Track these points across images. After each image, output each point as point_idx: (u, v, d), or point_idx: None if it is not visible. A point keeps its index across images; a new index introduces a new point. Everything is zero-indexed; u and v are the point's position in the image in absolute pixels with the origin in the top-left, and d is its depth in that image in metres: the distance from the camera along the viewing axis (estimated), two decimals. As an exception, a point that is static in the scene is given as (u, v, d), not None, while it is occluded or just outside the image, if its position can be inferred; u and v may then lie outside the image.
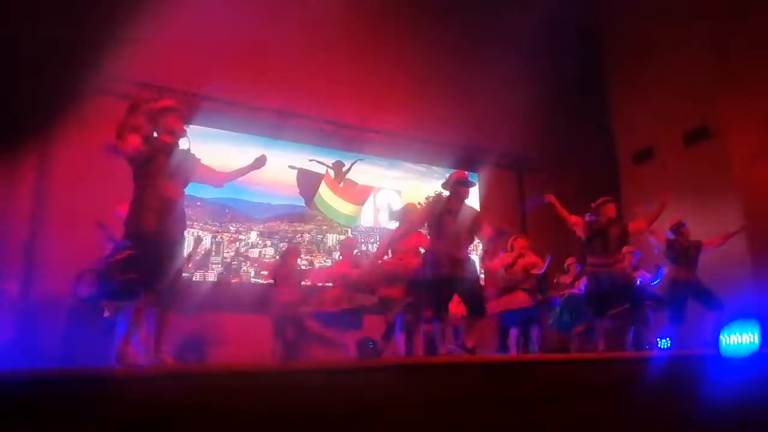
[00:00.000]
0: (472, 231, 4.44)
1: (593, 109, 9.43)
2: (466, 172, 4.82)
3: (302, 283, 6.05)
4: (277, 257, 6.70)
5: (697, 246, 5.97)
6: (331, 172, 7.87)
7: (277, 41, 7.00)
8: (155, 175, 3.27)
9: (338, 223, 7.81)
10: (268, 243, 7.25)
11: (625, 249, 6.49)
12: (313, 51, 7.28)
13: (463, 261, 4.31)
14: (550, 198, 5.37)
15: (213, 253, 6.85)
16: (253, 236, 7.17)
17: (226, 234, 7.00)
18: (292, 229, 7.45)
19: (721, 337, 5.28)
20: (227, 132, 7.05)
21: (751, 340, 5.11)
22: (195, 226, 6.80)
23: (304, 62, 7.19)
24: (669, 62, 8.51)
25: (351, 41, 7.76)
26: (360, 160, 8.07)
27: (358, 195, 8.00)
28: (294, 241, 7.28)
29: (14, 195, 5.78)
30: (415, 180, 8.53)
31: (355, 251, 6.47)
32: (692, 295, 5.83)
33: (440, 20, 8.59)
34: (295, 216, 7.52)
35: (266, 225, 7.29)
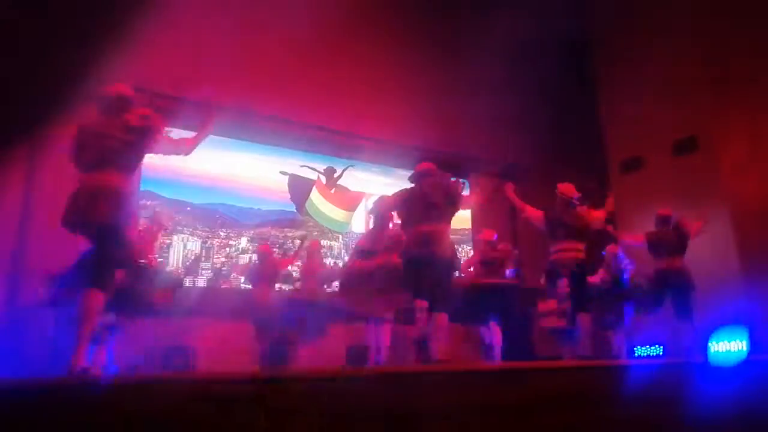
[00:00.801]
0: (449, 203, 4.25)
1: (583, 117, 9.50)
2: (433, 164, 4.61)
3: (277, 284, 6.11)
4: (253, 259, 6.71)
5: (679, 231, 5.87)
6: (323, 178, 7.86)
7: (268, 48, 7.01)
8: (85, 164, 3.19)
9: (330, 229, 7.80)
10: (259, 249, 7.21)
11: (610, 248, 6.54)
12: (305, 57, 7.28)
13: (433, 238, 4.07)
14: (509, 187, 5.32)
15: (203, 259, 6.81)
16: (244, 242, 7.14)
17: (216, 239, 6.96)
18: (283, 234, 7.43)
19: (709, 344, 5.30)
20: (219, 138, 7.02)
21: (740, 347, 5.13)
22: (185, 232, 6.76)
23: (295, 68, 7.19)
24: (658, 72, 8.60)
25: (343, 48, 7.78)
26: (352, 166, 8.08)
27: (350, 201, 7.99)
28: (284, 246, 7.26)
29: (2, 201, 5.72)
30: (407, 186, 8.52)
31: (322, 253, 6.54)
32: (672, 290, 5.67)
33: (431, 27, 8.64)
34: (285, 222, 7.50)
35: (257, 231, 7.26)
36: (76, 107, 3.32)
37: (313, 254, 6.28)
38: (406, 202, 4.33)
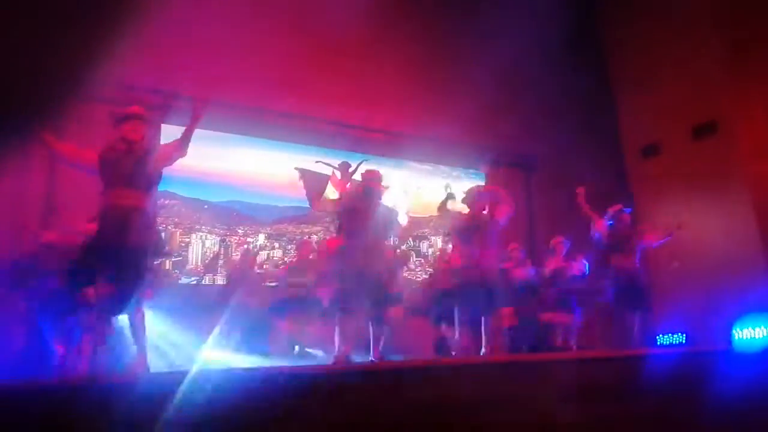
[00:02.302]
0: (386, 227, 4.37)
1: (600, 104, 9.37)
2: (379, 172, 4.68)
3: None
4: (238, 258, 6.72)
5: (639, 234, 5.70)
6: (338, 173, 7.85)
7: (281, 44, 7.01)
8: (114, 183, 3.24)
9: (346, 224, 7.80)
10: (276, 245, 7.25)
11: (555, 240, 6.47)
12: (318, 53, 7.28)
13: (374, 252, 4.19)
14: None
15: (221, 257, 6.86)
16: (261, 239, 7.18)
17: (234, 237, 7.01)
18: (300, 230, 7.46)
19: (733, 332, 5.24)
20: (234, 135, 7.07)
21: (765, 334, 5.06)
22: (203, 230, 6.81)
23: (308, 64, 7.19)
24: (676, 56, 8.46)
25: (355, 42, 7.75)
26: (366, 160, 8.05)
27: (365, 195, 8.00)
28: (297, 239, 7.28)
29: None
30: (422, 179, 8.52)
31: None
32: (627, 288, 5.46)
33: (445, 19, 8.58)
34: (302, 217, 7.52)
35: (274, 227, 7.30)
36: (74, 107, 3.33)
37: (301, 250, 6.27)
38: (347, 211, 4.54)
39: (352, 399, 2.40)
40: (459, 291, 4.76)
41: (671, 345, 6.98)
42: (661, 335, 7.39)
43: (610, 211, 5.50)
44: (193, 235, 6.74)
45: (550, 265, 6.36)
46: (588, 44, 9.45)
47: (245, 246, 6.88)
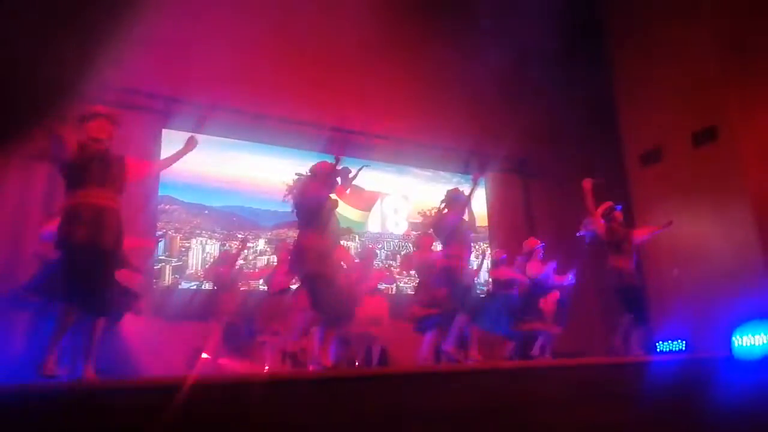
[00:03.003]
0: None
1: (600, 110, 9.39)
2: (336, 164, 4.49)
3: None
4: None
5: (631, 233, 5.49)
6: (338, 179, 7.86)
7: (280, 49, 7.03)
8: (87, 183, 3.17)
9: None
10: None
11: (528, 242, 6.39)
12: (319, 58, 7.30)
13: (327, 255, 4.10)
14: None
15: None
16: (261, 244, 7.18)
17: (234, 242, 7.01)
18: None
19: (733, 338, 5.22)
20: (234, 141, 7.09)
21: (765, 341, 5.05)
22: (203, 235, 6.82)
23: (309, 70, 7.21)
24: (676, 61, 8.46)
25: (356, 48, 7.77)
26: (367, 166, 8.04)
27: (366, 201, 8.00)
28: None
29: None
30: (423, 185, 8.53)
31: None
32: (624, 290, 5.26)
33: (444, 24, 8.60)
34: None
35: (274, 232, 7.30)
36: (72, 108, 3.30)
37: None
38: (306, 210, 4.36)
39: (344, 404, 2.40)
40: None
41: (671, 352, 6.97)
42: (660, 342, 7.38)
43: (600, 209, 5.35)
44: (194, 240, 6.74)
45: (530, 271, 6.17)
46: (588, 50, 9.47)
47: (225, 247, 6.79)
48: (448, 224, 5.02)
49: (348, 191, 7.98)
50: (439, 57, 8.35)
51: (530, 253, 6.23)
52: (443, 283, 4.89)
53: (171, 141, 6.78)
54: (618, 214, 5.45)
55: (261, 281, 6.44)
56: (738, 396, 3.29)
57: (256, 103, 6.97)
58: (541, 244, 6.27)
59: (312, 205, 4.15)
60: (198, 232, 6.79)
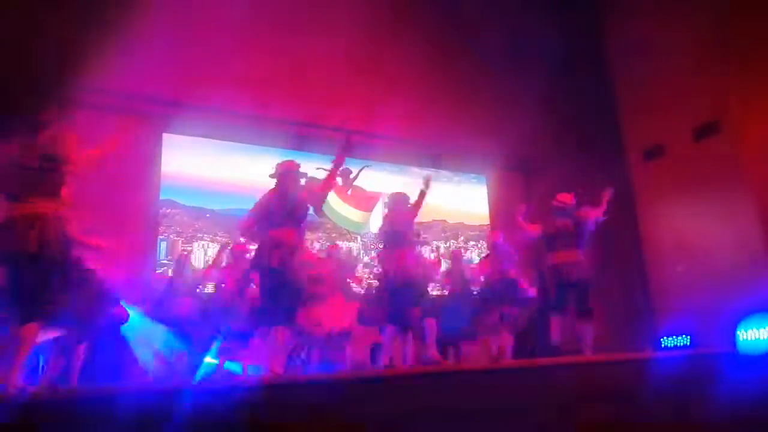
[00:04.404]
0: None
1: (601, 106, 9.35)
2: (296, 162, 4.39)
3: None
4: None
5: (577, 222, 5.22)
6: (339, 179, 7.87)
7: (281, 50, 7.03)
8: (27, 190, 3.12)
9: (347, 230, 7.80)
10: (279, 252, 7.24)
11: (490, 235, 6.31)
12: (319, 60, 7.29)
13: (285, 249, 3.97)
14: (428, 180, 5.03)
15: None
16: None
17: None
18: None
19: (738, 333, 5.19)
20: (234, 143, 7.09)
21: (769, 335, 5.02)
22: (205, 238, 6.82)
23: (310, 71, 7.21)
24: (676, 56, 8.42)
25: (356, 47, 7.76)
26: (368, 166, 8.06)
27: (367, 201, 7.99)
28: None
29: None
30: (417, 184, 8.50)
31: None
32: (572, 288, 5.05)
33: (443, 23, 8.60)
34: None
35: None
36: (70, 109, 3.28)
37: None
38: (265, 208, 4.24)
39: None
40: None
41: (676, 347, 6.94)
42: (665, 337, 7.35)
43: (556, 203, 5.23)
44: (195, 244, 6.75)
45: (483, 269, 5.94)
46: (589, 46, 9.44)
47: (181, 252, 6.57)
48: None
49: (349, 192, 8.03)
50: (439, 56, 8.34)
51: (493, 247, 5.97)
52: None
53: (171, 145, 6.81)
54: (557, 202, 5.29)
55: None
56: (743, 390, 3.28)
57: (256, 105, 6.97)
58: (502, 237, 6.02)
59: (296, 205, 4.11)
60: (200, 235, 6.80)
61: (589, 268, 5.15)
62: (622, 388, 3.23)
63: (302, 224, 4.17)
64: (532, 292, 5.67)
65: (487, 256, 6.19)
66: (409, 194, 5.08)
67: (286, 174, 4.23)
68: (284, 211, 4.06)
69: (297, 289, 3.94)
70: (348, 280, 6.06)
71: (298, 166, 4.30)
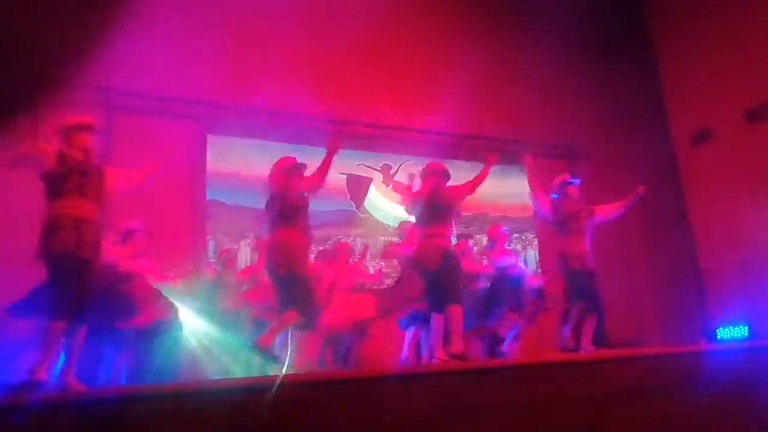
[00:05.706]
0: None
1: (645, 88, 9.04)
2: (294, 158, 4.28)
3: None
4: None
5: (589, 212, 4.87)
6: (380, 175, 7.91)
7: (319, 50, 7.08)
8: (68, 193, 3.19)
9: (389, 226, 7.82)
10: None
11: (492, 228, 5.95)
12: (356, 56, 7.33)
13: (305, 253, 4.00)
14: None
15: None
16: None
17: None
18: (342, 234, 7.50)
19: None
20: (279, 144, 7.18)
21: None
22: (251, 236, 6.94)
23: (348, 68, 7.25)
24: (726, 33, 8.07)
25: (392, 41, 7.77)
26: (407, 161, 8.06)
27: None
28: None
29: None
30: (464, 177, 8.42)
31: None
32: (576, 279, 4.71)
33: (482, 10, 8.50)
34: (344, 221, 7.59)
35: (318, 231, 7.35)
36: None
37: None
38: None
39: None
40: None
41: (732, 338, 6.73)
42: (721, 328, 7.13)
43: (556, 183, 4.91)
44: (242, 242, 6.88)
45: (493, 259, 5.65)
46: (633, 26, 9.15)
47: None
48: (419, 199, 4.49)
49: (390, 187, 8.04)
50: (475, 44, 8.23)
51: (494, 241, 5.74)
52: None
53: (216, 146, 6.96)
54: (571, 189, 4.94)
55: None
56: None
57: (297, 104, 7.03)
58: (505, 230, 5.85)
59: (294, 202, 4.01)
60: (245, 233, 6.93)
61: (593, 260, 4.77)
62: (676, 383, 3.15)
63: (301, 223, 4.02)
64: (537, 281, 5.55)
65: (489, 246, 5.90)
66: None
67: (274, 173, 4.15)
68: (275, 212, 3.97)
69: (307, 290, 3.85)
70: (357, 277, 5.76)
71: (293, 160, 4.20)
